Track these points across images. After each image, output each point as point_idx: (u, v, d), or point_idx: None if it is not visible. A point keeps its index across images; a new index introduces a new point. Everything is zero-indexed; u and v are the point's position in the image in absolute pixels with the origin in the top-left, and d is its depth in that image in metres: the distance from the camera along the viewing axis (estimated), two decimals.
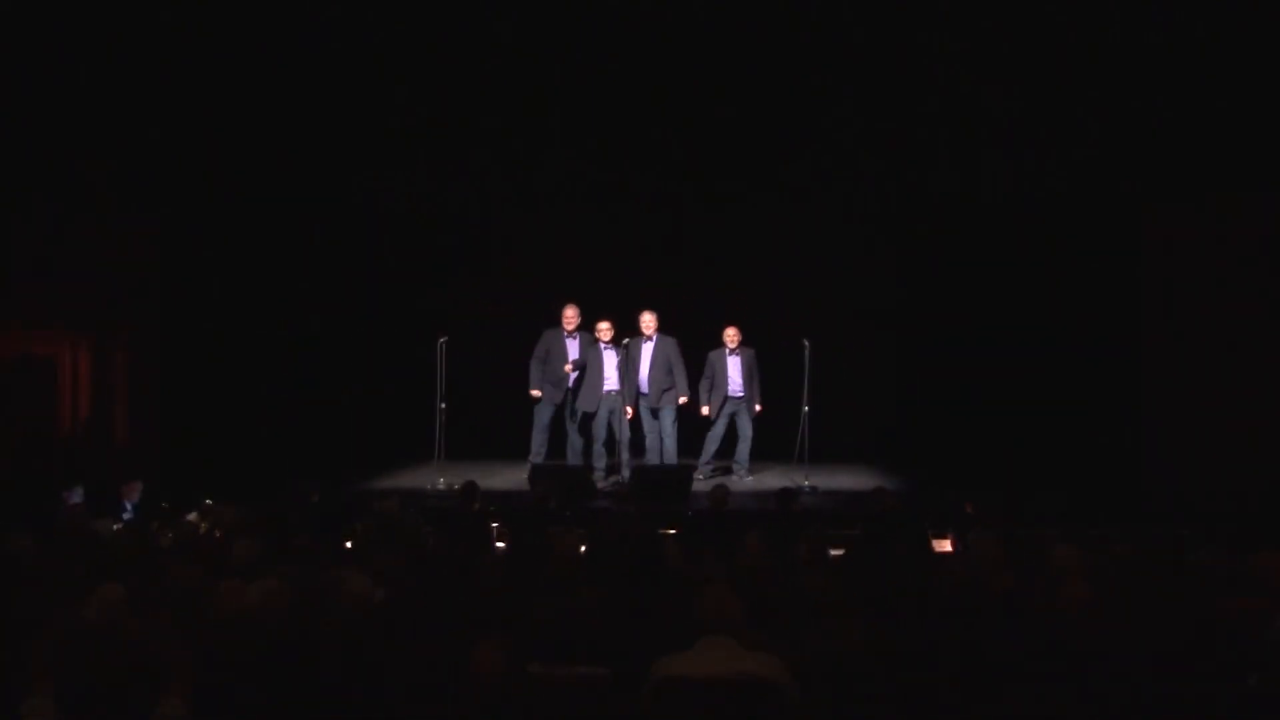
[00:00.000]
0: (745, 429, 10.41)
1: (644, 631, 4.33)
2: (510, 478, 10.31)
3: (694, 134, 11.11)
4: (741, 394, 10.33)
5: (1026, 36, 9.77)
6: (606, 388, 10.11)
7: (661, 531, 6.66)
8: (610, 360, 10.20)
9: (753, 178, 11.60)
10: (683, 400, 10.24)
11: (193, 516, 7.15)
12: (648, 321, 10.26)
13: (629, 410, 10.10)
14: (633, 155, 11.38)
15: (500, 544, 6.51)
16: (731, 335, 10.38)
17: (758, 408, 10.43)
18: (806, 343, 9.85)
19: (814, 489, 9.70)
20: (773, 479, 10.09)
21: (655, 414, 10.27)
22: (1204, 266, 10.05)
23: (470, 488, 7.86)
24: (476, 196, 11.92)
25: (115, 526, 6.87)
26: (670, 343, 10.29)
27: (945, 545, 6.76)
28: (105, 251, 10.26)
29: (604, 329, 10.27)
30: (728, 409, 10.41)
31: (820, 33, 9.93)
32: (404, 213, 11.97)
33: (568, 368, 10.13)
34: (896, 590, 4.82)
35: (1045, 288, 11.25)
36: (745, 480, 10.32)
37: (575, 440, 10.31)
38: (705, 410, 10.35)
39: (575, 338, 10.23)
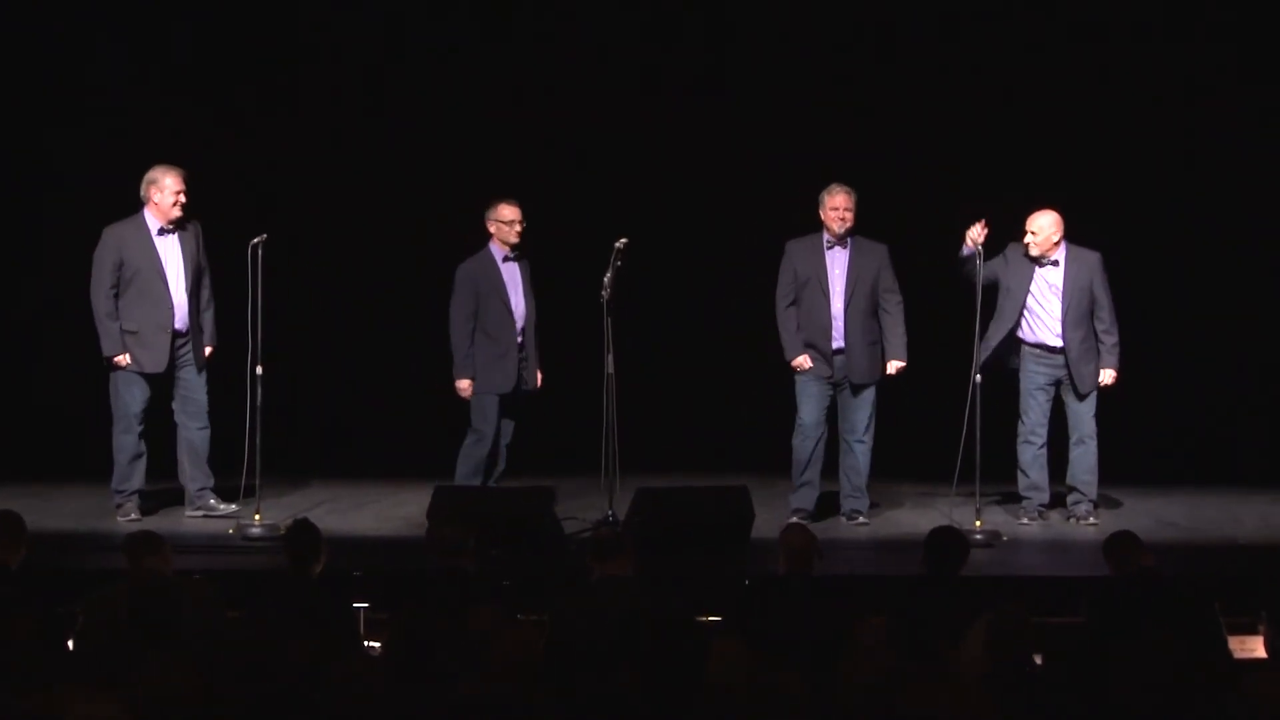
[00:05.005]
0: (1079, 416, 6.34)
1: None
2: (391, 512, 6.54)
3: None
4: (1061, 344, 6.27)
5: None
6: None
7: (697, 618, 4.08)
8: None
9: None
10: (898, 367, 6.32)
11: None
12: (841, 207, 6.10)
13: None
14: None
15: (373, 643, 4.14)
16: (1048, 228, 6.12)
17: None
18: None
19: (996, 537, 6.14)
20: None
21: (856, 392, 6.29)
22: None
23: (302, 532, 4.42)
24: None
25: None
26: (880, 251, 6.30)
27: (1255, 646, 4.25)
28: None
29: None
30: (1040, 375, 6.33)
31: None
32: None
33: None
34: None
35: None
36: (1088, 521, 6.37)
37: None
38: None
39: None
